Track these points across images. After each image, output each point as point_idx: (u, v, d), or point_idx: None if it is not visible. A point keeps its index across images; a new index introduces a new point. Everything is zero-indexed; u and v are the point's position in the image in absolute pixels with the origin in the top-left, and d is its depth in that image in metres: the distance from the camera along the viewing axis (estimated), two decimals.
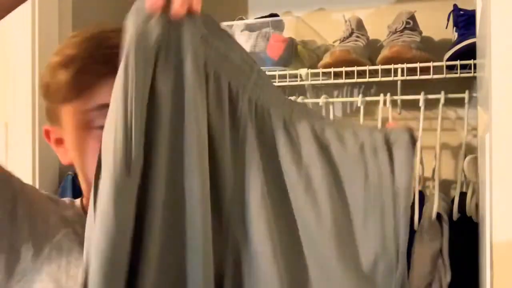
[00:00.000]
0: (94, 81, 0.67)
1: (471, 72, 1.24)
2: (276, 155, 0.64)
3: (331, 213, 0.62)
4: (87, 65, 0.68)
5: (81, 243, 0.60)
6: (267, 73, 1.41)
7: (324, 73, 1.39)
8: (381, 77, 1.33)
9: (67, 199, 0.78)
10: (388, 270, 0.61)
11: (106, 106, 0.59)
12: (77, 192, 1.34)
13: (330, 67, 1.36)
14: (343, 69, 1.34)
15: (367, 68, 1.33)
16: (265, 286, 0.58)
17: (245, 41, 1.44)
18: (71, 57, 0.68)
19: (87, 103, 0.67)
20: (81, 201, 0.78)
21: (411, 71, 1.29)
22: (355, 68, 1.34)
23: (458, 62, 1.24)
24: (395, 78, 1.31)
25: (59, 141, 0.74)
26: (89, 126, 0.68)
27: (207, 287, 0.55)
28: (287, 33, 1.43)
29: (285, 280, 0.58)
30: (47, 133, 0.75)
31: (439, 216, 1.10)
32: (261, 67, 1.43)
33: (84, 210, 0.76)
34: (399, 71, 1.30)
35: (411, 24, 1.35)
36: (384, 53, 1.32)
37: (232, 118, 0.62)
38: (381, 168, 0.64)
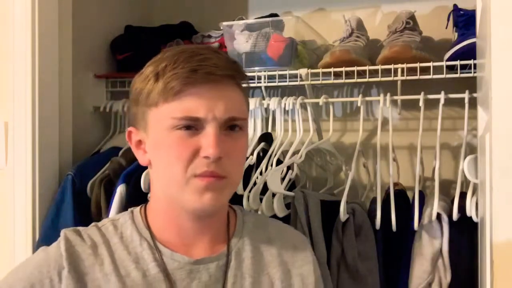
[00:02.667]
0: (182, 88, 0.75)
1: (471, 72, 1.24)
2: None
3: None
4: (177, 74, 0.76)
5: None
6: (267, 73, 1.41)
7: (324, 73, 1.39)
8: (381, 77, 1.33)
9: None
10: None
11: (191, 115, 0.75)
12: (77, 192, 1.34)
13: (330, 67, 1.36)
14: (343, 69, 1.34)
15: (367, 68, 1.33)
16: None
17: (245, 41, 1.44)
18: (163, 66, 0.77)
19: (175, 108, 0.76)
20: (144, 208, 0.86)
21: (411, 71, 1.29)
22: (355, 68, 1.33)
23: (458, 62, 1.24)
24: (395, 78, 1.31)
25: (140, 143, 0.83)
26: (173, 128, 0.76)
27: None
28: (287, 33, 1.43)
29: None
30: (129, 134, 0.85)
31: (439, 216, 1.10)
32: (261, 67, 1.44)
33: (146, 218, 0.84)
34: (399, 71, 1.30)
35: (411, 24, 1.35)
36: (384, 53, 1.32)
37: None
38: None
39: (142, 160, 0.83)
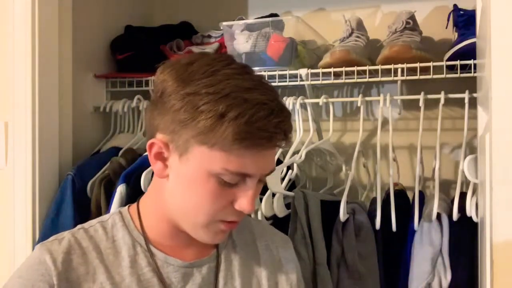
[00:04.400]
0: (246, 146, 0.71)
1: (471, 72, 1.24)
2: None
3: None
4: (251, 134, 0.70)
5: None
6: (267, 73, 1.41)
7: (324, 73, 1.39)
8: (381, 77, 1.33)
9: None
10: None
11: (243, 171, 0.72)
12: (77, 192, 1.34)
13: (330, 67, 1.36)
14: (343, 69, 1.34)
15: (367, 68, 1.33)
16: None
17: (245, 41, 1.44)
18: (236, 114, 0.69)
19: (231, 161, 0.71)
20: (135, 209, 0.84)
21: (411, 71, 1.29)
22: (355, 68, 1.33)
23: (458, 62, 1.24)
24: (395, 78, 1.31)
25: (162, 156, 0.77)
26: (218, 176, 0.73)
27: None
28: (287, 33, 1.43)
29: None
30: (152, 146, 0.77)
31: (439, 216, 1.10)
32: (261, 67, 1.44)
33: (139, 219, 0.82)
34: (399, 71, 1.29)
35: (411, 24, 1.35)
36: (384, 53, 1.32)
37: None
38: None
39: (159, 172, 0.78)
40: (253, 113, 0.69)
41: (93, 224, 0.82)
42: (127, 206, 0.86)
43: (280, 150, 1.31)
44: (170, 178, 0.77)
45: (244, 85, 0.72)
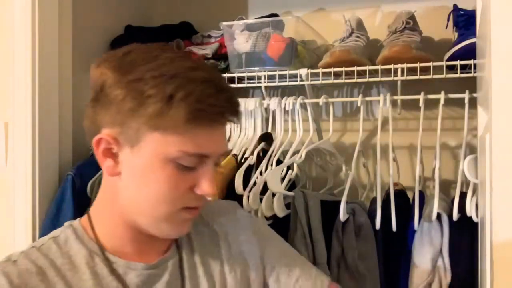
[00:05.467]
0: (201, 124, 0.70)
1: (471, 72, 1.24)
2: None
3: None
4: (203, 112, 0.70)
5: None
6: (267, 73, 1.41)
7: (324, 73, 1.39)
8: (381, 77, 1.33)
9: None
10: None
11: (201, 152, 0.71)
12: (77, 192, 1.33)
13: (330, 67, 1.36)
14: (343, 69, 1.34)
15: (367, 68, 1.33)
16: None
17: (245, 41, 1.44)
18: (184, 94, 0.68)
19: (187, 142, 0.70)
20: (86, 220, 0.81)
21: (411, 71, 1.29)
22: (355, 68, 1.33)
23: (458, 62, 1.24)
24: (395, 78, 1.30)
25: (110, 152, 0.74)
26: (174, 160, 0.71)
27: None
28: (287, 33, 1.43)
29: None
30: (99, 142, 0.74)
31: (439, 216, 1.10)
32: (261, 67, 1.44)
33: (92, 230, 0.79)
34: (399, 71, 1.29)
35: (411, 24, 1.35)
36: (384, 53, 1.32)
37: None
38: None
39: (110, 170, 0.74)
40: (201, 90, 0.69)
41: (45, 241, 0.77)
42: (78, 219, 0.82)
43: (280, 150, 1.31)
44: (122, 174, 0.74)
45: (188, 65, 0.71)
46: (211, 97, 0.69)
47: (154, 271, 0.79)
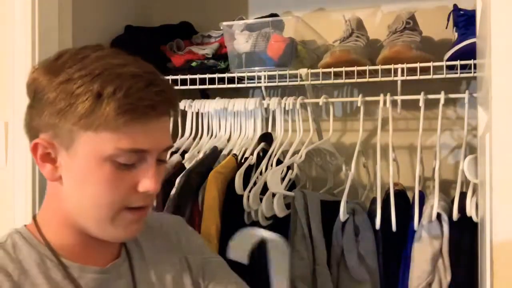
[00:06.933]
0: (133, 119, 0.68)
1: (471, 72, 1.24)
2: None
3: None
4: (132, 106, 0.68)
5: None
6: (267, 73, 1.41)
7: (324, 73, 1.39)
8: (381, 77, 1.33)
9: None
10: None
11: (137, 147, 0.69)
12: None
13: (330, 67, 1.36)
14: (343, 69, 1.34)
15: (367, 68, 1.33)
16: None
17: (245, 41, 1.44)
18: (112, 90, 0.67)
19: (121, 139, 0.69)
20: (33, 226, 0.77)
21: (411, 71, 1.29)
22: (355, 68, 1.33)
23: (458, 62, 1.24)
24: (395, 78, 1.31)
25: (49, 156, 0.72)
26: (111, 159, 0.69)
27: None
28: (287, 33, 1.43)
29: None
30: (36, 147, 0.73)
31: (439, 216, 1.10)
32: (261, 67, 1.45)
33: (41, 235, 0.76)
34: (399, 71, 1.30)
35: (411, 24, 1.35)
36: (384, 53, 1.32)
37: None
38: None
39: (50, 175, 0.73)
40: (130, 85, 0.68)
41: None
42: (23, 225, 0.79)
43: (280, 150, 1.31)
44: (63, 178, 0.73)
45: (116, 62, 0.70)
46: (140, 91, 0.68)
47: (108, 276, 0.77)
